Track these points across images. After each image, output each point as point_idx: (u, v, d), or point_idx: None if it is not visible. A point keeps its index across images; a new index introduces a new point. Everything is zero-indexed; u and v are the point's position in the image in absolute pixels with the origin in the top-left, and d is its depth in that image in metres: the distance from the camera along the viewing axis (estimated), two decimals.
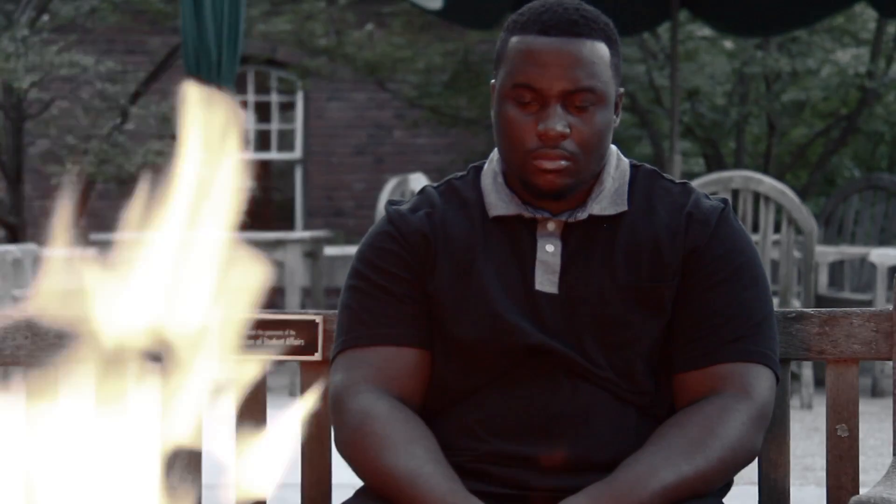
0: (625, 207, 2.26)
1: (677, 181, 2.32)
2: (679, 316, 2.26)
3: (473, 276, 2.27)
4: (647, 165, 2.36)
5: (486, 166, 2.34)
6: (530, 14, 2.25)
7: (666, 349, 2.26)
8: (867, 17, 11.11)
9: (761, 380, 2.24)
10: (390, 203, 2.38)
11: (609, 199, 2.27)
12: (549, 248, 2.27)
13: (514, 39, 2.25)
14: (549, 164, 2.21)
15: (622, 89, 2.31)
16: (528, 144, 2.22)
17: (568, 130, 2.20)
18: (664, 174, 2.34)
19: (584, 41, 2.22)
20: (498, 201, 2.30)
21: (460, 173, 2.37)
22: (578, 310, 2.25)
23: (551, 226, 2.28)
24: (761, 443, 2.24)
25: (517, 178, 2.25)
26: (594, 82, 2.21)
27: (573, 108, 2.21)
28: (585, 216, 2.27)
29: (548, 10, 2.24)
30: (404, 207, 2.34)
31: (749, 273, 2.26)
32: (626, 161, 2.33)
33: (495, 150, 2.34)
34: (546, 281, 2.26)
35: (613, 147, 2.31)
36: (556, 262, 2.26)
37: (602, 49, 2.23)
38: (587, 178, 2.25)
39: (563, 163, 2.21)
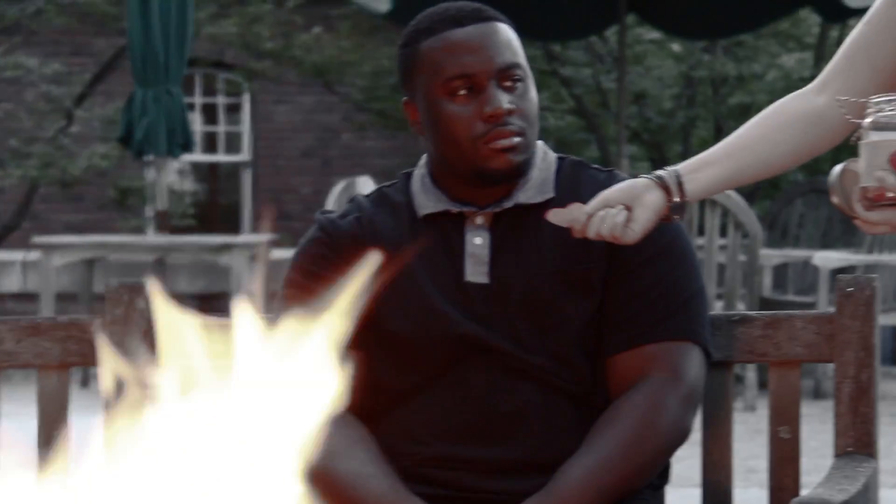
0: (551, 195, 2.29)
1: (604, 169, 2.35)
2: (609, 298, 2.28)
3: (405, 272, 2.29)
4: (575, 157, 2.40)
5: (415, 171, 2.37)
6: (431, 18, 2.30)
7: (598, 332, 2.28)
8: (811, 22, 11.20)
9: (691, 358, 2.26)
10: (321, 212, 2.42)
11: (535, 188, 2.30)
12: (478, 240, 2.29)
13: (425, 44, 2.28)
14: (504, 143, 2.23)
15: None
16: (475, 132, 2.24)
17: (513, 106, 2.23)
18: (592, 164, 2.37)
19: (495, 24, 2.29)
20: (426, 201, 2.33)
21: (391, 182, 2.41)
22: (510, 297, 2.27)
23: (479, 219, 2.30)
24: (693, 422, 2.27)
25: (471, 171, 2.27)
26: (519, 59, 2.28)
27: (507, 87, 2.25)
28: (511, 205, 2.29)
29: (447, 8, 2.30)
30: (334, 214, 2.38)
31: (676, 251, 2.29)
32: (553, 154, 2.36)
33: (424, 155, 2.37)
34: (476, 272, 2.29)
35: (540, 141, 2.33)
36: (485, 252, 2.29)
37: (511, 31, 2.30)
38: (531, 156, 2.28)
39: (515, 139, 2.24)
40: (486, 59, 2.25)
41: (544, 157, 2.33)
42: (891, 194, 1.95)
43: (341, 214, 2.37)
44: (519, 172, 2.27)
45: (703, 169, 2.17)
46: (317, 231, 2.37)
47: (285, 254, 9.78)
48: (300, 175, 13.25)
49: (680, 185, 2.15)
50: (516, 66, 2.26)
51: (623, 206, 2.15)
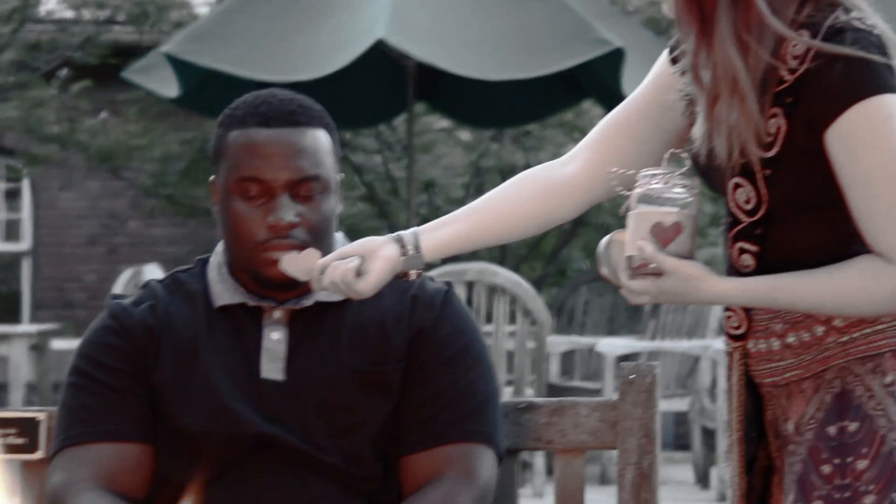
0: (354, 298, 2.26)
1: None
2: (405, 398, 2.27)
3: (198, 366, 2.25)
4: None
5: (211, 258, 2.33)
6: (247, 107, 2.26)
7: (394, 432, 2.27)
8: (594, 113, 11.45)
9: (484, 460, 2.27)
10: (112, 297, 2.35)
11: None
12: (275, 335, 2.26)
13: (233, 134, 2.25)
14: (279, 255, 2.20)
15: (341, 175, 2.33)
16: (257, 237, 2.22)
17: (297, 219, 2.22)
18: None
19: (304, 130, 2.25)
20: (223, 291, 2.29)
21: (186, 266, 2.36)
22: (305, 396, 2.25)
23: (277, 313, 2.27)
24: None
25: (247, 272, 2.25)
26: (319, 170, 2.24)
27: (300, 198, 2.23)
28: (311, 303, 2.27)
29: (264, 101, 2.26)
30: (127, 301, 2.32)
31: (473, 354, 2.30)
32: None
33: (221, 241, 2.33)
34: (272, 368, 2.26)
35: (340, 234, 2.32)
36: (282, 349, 2.26)
37: (323, 136, 2.26)
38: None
39: (294, 252, 2.20)
40: (281, 168, 2.22)
41: None
42: (652, 264, 2.00)
43: (134, 301, 2.31)
44: (295, 283, 2.23)
45: (441, 227, 2.18)
46: (107, 318, 2.30)
47: (68, 344, 9.55)
48: (85, 263, 12.99)
49: (417, 242, 2.16)
50: (313, 178, 2.23)
51: (358, 257, 2.15)
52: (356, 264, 2.13)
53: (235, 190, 2.24)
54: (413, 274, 2.16)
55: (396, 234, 2.17)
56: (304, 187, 2.23)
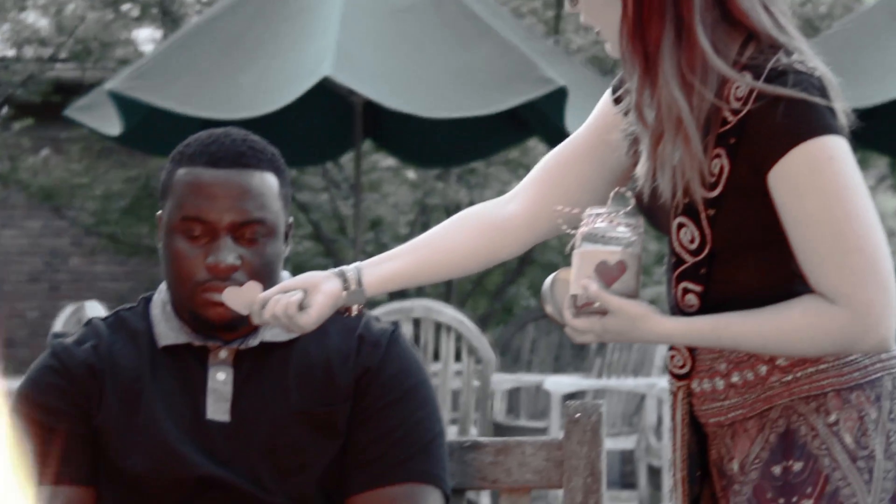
0: (296, 332, 2.25)
1: None
2: (352, 438, 2.26)
3: (142, 407, 2.23)
4: None
5: (155, 296, 2.31)
6: (197, 145, 2.25)
7: (340, 473, 2.26)
8: (539, 151, 11.49)
9: (430, 501, 2.27)
10: (54, 336, 2.33)
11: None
12: (221, 375, 2.25)
13: (181, 171, 2.24)
14: (217, 297, 2.20)
15: (291, 219, 2.32)
16: (197, 277, 2.20)
17: (238, 262, 2.20)
18: None
19: (252, 172, 2.23)
20: (168, 330, 2.26)
21: (130, 304, 2.34)
22: (251, 437, 2.23)
23: (223, 353, 2.26)
24: None
25: (187, 312, 2.23)
26: (264, 214, 2.22)
27: (243, 240, 2.21)
28: (257, 343, 2.26)
29: (215, 140, 2.24)
30: (69, 340, 2.29)
31: (419, 394, 2.30)
32: None
33: (165, 280, 2.31)
34: (218, 409, 2.24)
35: (286, 274, 2.31)
36: (228, 389, 2.24)
37: (271, 180, 2.25)
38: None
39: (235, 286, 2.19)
40: (226, 209, 2.21)
41: None
42: (597, 303, 2.00)
43: (77, 340, 2.28)
44: (234, 325, 2.22)
45: (384, 263, 2.18)
46: (49, 357, 2.28)
47: (9, 383, 9.45)
48: (26, 300, 12.89)
49: (359, 277, 2.15)
50: (258, 221, 2.22)
51: (300, 291, 2.14)
52: (298, 298, 2.12)
53: (179, 228, 2.23)
54: (355, 309, 2.15)
55: (339, 268, 2.16)
56: (248, 230, 2.22)
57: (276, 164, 2.27)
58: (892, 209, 14.43)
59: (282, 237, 2.27)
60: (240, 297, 2.15)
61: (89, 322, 2.33)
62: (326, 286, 2.14)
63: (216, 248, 2.21)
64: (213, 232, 2.21)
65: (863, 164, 12.74)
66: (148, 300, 2.33)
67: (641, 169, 2.09)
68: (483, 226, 2.21)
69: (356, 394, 2.26)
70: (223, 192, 2.21)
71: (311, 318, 2.13)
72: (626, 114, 2.15)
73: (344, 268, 2.16)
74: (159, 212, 2.29)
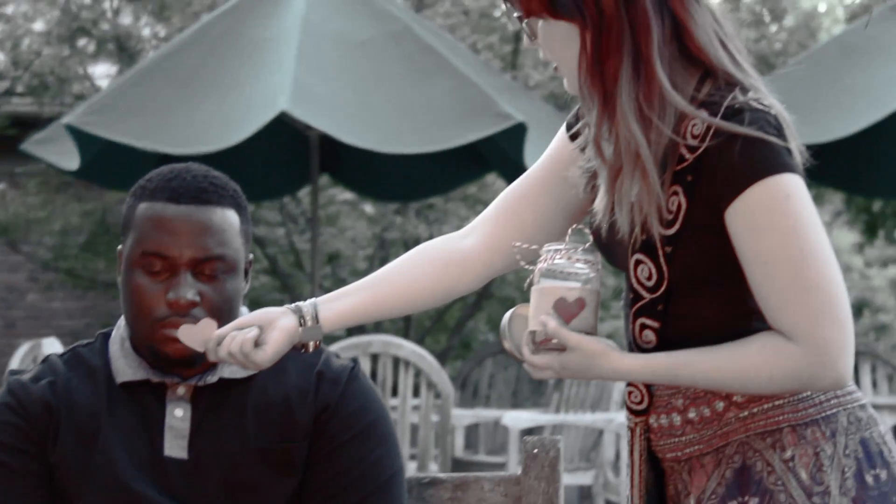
0: (253, 370, 2.25)
1: None
2: (311, 476, 2.26)
3: (98, 444, 2.22)
4: None
5: (113, 332, 2.31)
6: (159, 180, 2.24)
7: None
8: (497, 186, 11.53)
9: None
10: (11, 373, 2.32)
11: None
12: (178, 412, 2.24)
13: (142, 206, 2.23)
14: (175, 333, 2.18)
15: (251, 255, 2.32)
16: (157, 313, 2.20)
17: (198, 298, 2.20)
18: None
19: (214, 209, 2.23)
20: (125, 367, 2.26)
21: (87, 341, 2.33)
22: (209, 474, 2.22)
23: (181, 390, 2.25)
24: None
25: (146, 347, 2.22)
26: (225, 250, 2.22)
27: (203, 276, 2.21)
28: (216, 380, 2.26)
29: (177, 176, 2.24)
30: (26, 377, 2.28)
31: (378, 432, 2.29)
32: None
33: (123, 315, 2.30)
34: (175, 446, 2.23)
35: (244, 310, 2.31)
36: (186, 426, 2.23)
37: (232, 216, 2.24)
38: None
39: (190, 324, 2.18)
40: (186, 245, 2.20)
41: None
42: (555, 340, 2.01)
43: (34, 377, 2.27)
44: (192, 362, 2.22)
45: (340, 299, 2.18)
46: (5, 395, 2.27)
47: None
48: None
49: (315, 313, 2.15)
50: (218, 258, 2.22)
51: (256, 328, 2.13)
52: (254, 335, 2.12)
53: (139, 263, 2.22)
54: (311, 345, 2.15)
55: (295, 304, 2.16)
56: (208, 266, 2.22)
57: (238, 200, 2.27)
58: (848, 245, 14.55)
59: (242, 273, 2.27)
60: (195, 335, 2.14)
61: (46, 359, 2.32)
62: (282, 323, 2.14)
63: (176, 284, 2.20)
64: (173, 267, 2.21)
65: (818, 200, 12.84)
66: (106, 336, 2.32)
67: (600, 203, 2.10)
68: (440, 261, 2.21)
69: (315, 431, 2.26)
70: (184, 228, 2.21)
71: (268, 356, 2.12)
72: (582, 150, 2.16)
73: (300, 304, 2.16)
74: (119, 246, 2.29)
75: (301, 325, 2.14)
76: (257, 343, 2.12)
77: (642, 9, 2.02)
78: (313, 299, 2.17)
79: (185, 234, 2.21)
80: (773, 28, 12.04)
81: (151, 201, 2.23)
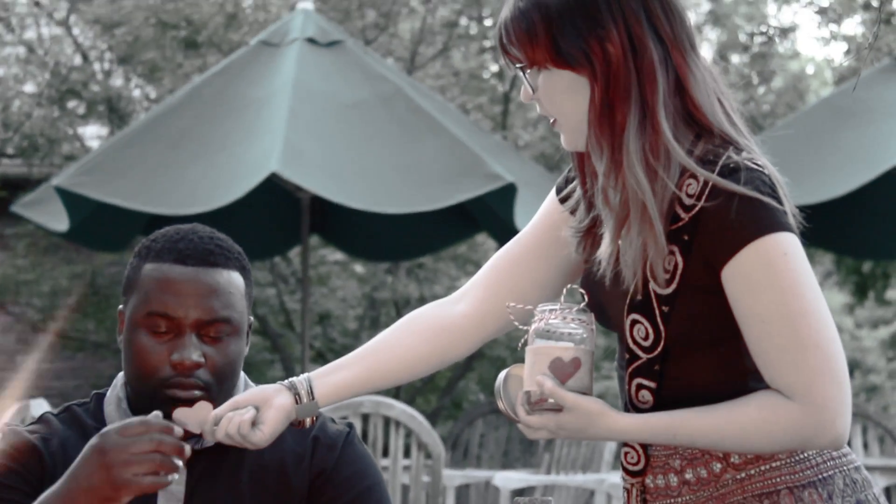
0: (251, 448, 2.23)
1: None
2: None
3: None
4: None
5: (109, 393, 2.29)
6: (165, 241, 2.24)
7: None
8: (488, 246, 11.54)
9: None
10: (6, 426, 2.30)
11: None
12: (174, 476, 2.21)
13: (148, 267, 2.23)
14: (182, 394, 2.19)
15: (252, 318, 2.31)
16: (160, 374, 2.19)
17: (203, 360, 2.20)
18: None
19: (220, 271, 2.23)
20: None
21: (82, 400, 2.32)
22: None
23: None
24: None
25: (148, 408, 2.21)
26: (230, 313, 2.22)
27: (208, 338, 2.21)
28: (212, 443, 2.23)
29: (183, 238, 2.24)
30: (21, 428, 2.27)
31: (374, 497, 2.29)
32: (254, 386, 2.31)
33: (120, 374, 2.31)
34: None
35: (243, 374, 2.30)
36: (181, 490, 2.23)
37: (237, 279, 2.25)
38: (218, 406, 2.21)
39: (196, 392, 2.20)
40: (192, 307, 2.20)
41: (245, 390, 2.29)
42: (551, 400, 2.00)
43: (29, 431, 2.27)
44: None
45: (334, 373, 2.17)
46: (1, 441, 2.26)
47: None
48: None
49: (310, 388, 2.13)
50: (223, 321, 2.21)
51: (252, 408, 2.13)
52: (251, 416, 2.11)
53: (143, 323, 2.22)
54: (308, 421, 2.14)
55: (289, 381, 2.15)
56: (213, 328, 2.22)
57: (242, 262, 2.27)
58: (838, 305, 14.56)
59: (245, 336, 2.27)
60: (191, 417, 2.14)
61: (42, 417, 2.31)
62: (278, 401, 2.13)
63: (181, 345, 2.20)
64: (178, 328, 2.21)
65: (809, 261, 12.87)
66: (101, 396, 2.31)
67: (604, 251, 2.09)
68: (432, 329, 2.21)
69: (311, 495, 2.25)
70: (191, 290, 2.21)
71: (265, 436, 2.12)
72: (572, 212, 2.16)
73: (294, 380, 2.15)
74: (121, 306, 2.28)
75: (297, 402, 2.14)
76: (254, 423, 2.12)
77: (649, 60, 2.03)
78: (307, 374, 2.17)
79: (191, 295, 2.20)
80: (762, 90, 12.10)
81: (158, 262, 2.23)
